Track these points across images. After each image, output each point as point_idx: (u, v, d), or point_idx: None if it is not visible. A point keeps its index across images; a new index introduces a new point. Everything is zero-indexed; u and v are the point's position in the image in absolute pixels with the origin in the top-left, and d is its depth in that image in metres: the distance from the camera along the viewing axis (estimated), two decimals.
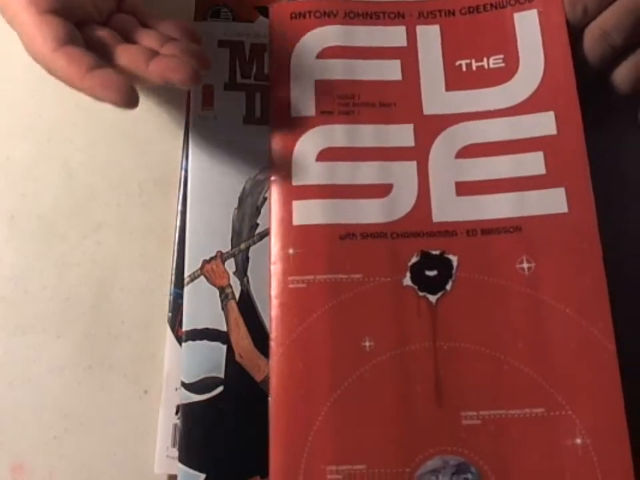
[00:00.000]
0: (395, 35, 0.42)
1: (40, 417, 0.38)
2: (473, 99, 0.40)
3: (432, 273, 0.37)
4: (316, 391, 0.35)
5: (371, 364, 0.36)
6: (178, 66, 0.35)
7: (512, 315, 0.36)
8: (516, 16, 0.41)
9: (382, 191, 0.39)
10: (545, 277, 0.37)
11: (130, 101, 0.33)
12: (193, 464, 0.36)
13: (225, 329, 0.38)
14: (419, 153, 0.39)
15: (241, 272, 0.39)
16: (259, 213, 0.40)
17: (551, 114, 0.39)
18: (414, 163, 0.39)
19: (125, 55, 0.36)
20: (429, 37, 0.42)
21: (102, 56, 0.35)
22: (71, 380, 0.39)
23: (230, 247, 0.39)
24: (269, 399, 0.36)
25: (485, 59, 0.41)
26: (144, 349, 0.39)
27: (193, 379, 0.37)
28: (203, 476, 0.36)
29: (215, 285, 0.38)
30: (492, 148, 0.39)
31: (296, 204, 0.38)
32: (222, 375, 0.37)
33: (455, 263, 0.37)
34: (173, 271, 0.39)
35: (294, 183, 0.39)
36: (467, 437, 0.35)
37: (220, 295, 0.38)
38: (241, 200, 0.40)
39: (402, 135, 0.40)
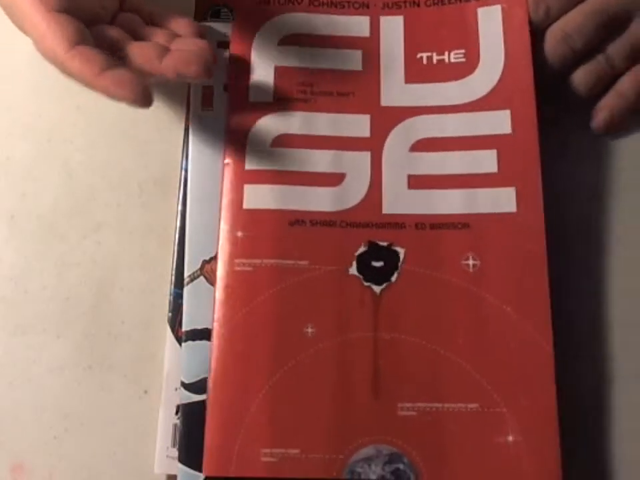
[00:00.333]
0: (358, 25, 0.42)
1: (40, 417, 0.38)
2: (432, 92, 0.40)
3: (378, 263, 0.37)
4: (255, 373, 0.36)
5: (311, 350, 0.36)
6: (191, 59, 0.35)
7: (454, 311, 0.37)
8: (480, 11, 0.41)
9: (334, 179, 0.39)
10: (489, 274, 0.37)
11: (145, 99, 0.33)
12: (193, 464, 0.36)
13: None
14: (373, 144, 0.39)
15: None
16: None
17: (507, 112, 0.39)
18: (368, 154, 0.39)
19: (137, 53, 0.35)
20: (392, 27, 0.41)
21: (113, 55, 0.35)
22: (71, 380, 0.39)
23: None
24: (208, 378, 0.36)
25: (447, 53, 0.41)
26: (144, 349, 0.39)
27: (193, 379, 0.37)
28: (203, 476, 0.36)
29: (214, 285, 0.38)
30: (446, 143, 0.39)
31: (247, 188, 0.38)
32: None
33: (401, 255, 0.37)
34: (173, 271, 0.39)
35: (247, 167, 0.39)
36: (402, 427, 0.35)
37: None
38: None
39: (358, 125, 0.40)
